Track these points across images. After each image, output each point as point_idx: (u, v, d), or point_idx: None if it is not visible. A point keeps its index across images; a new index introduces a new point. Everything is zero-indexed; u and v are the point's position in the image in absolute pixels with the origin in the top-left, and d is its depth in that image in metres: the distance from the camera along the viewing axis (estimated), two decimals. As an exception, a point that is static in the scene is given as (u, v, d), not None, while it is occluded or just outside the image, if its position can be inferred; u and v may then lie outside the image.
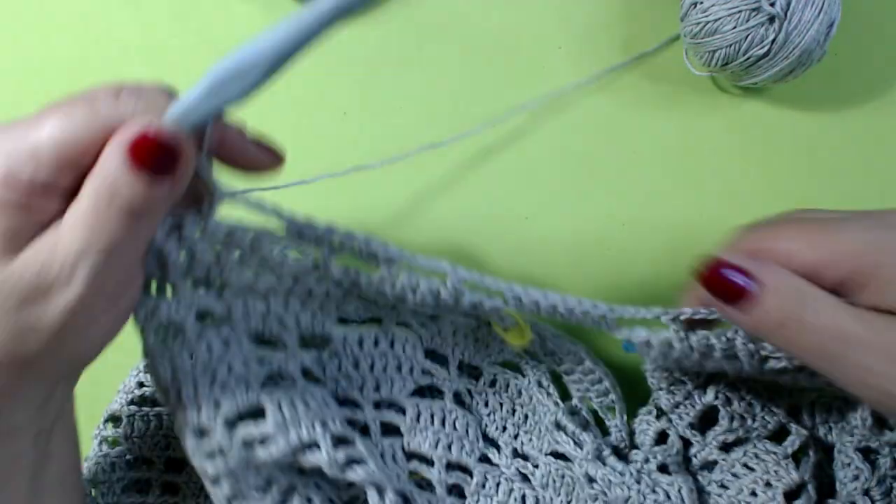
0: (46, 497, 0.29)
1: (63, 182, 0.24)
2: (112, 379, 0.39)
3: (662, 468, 0.35)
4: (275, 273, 0.31)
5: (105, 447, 0.38)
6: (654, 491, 0.33)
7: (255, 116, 0.43)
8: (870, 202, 0.40)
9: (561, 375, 0.38)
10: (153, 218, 0.25)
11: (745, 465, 0.34)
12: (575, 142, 0.42)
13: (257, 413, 0.29)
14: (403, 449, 0.35)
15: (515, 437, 0.37)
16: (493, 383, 0.38)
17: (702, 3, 0.37)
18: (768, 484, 0.33)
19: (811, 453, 0.33)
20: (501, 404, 0.37)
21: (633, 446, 0.37)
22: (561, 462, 0.36)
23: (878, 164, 0.41)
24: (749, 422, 0.34)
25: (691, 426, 0.34)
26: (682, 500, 0.33)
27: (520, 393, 0.37)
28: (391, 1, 0.43)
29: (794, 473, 0.33)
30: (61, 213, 0.24)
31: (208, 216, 0.28)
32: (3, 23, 0.43)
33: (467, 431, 0.36)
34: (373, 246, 0.30)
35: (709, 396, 0.34)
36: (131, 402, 0.38)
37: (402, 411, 0.36)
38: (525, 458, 0.37)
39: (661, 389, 0.35)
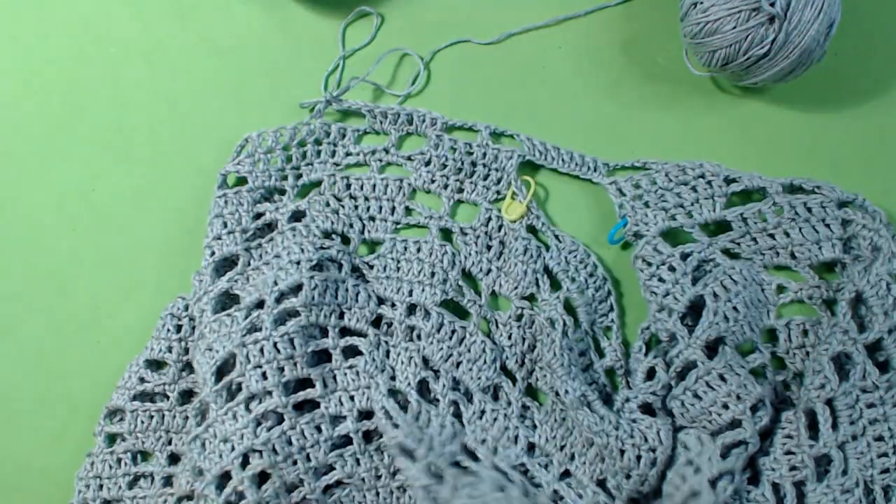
0: None
1: None
2: (112, 378, 0.39)
3: (645, 408, 0.36)
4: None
5: (109, 443, 0.38)
6: (630, 436, 0.34)
7: (253, 115, 0.43)
8: (870, 202, 0.40)
9: (572, 303, 0.39)
10: None
11: (721, 377, 0.35)
12: (575, 141, 0.42)
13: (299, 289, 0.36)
14: (421, 354, 0.37)
15: (531, 372, 0.38)
16: (519, 317, 0.38)
17: (702, 3, 0.37)
18: (738, 398, 0.34)
19: (768, 374, 0.36)
20: (524, 339, 0.38)
21: (628, 371, 0.38)
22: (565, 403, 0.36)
23: (878, 164, 0.41)
24: (730, 323, 0.35)
25: (681, 319, 0.36)
26: (661, 440, 0.34)
27: (541, 330, 0.38)
28: (392, 1, 0.43)
29: (758, 388, 0.34)
30: None
31: None
32: (3, 23, 0.43)
33: (485, 360, 0.37)
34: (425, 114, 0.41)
35: (698, 287, 0.36)
36: (133, 398, 0.38)
37: (428, 318, 0.38)
38: (534, 394, 0.38)
39: (652, 282, 0.37)
